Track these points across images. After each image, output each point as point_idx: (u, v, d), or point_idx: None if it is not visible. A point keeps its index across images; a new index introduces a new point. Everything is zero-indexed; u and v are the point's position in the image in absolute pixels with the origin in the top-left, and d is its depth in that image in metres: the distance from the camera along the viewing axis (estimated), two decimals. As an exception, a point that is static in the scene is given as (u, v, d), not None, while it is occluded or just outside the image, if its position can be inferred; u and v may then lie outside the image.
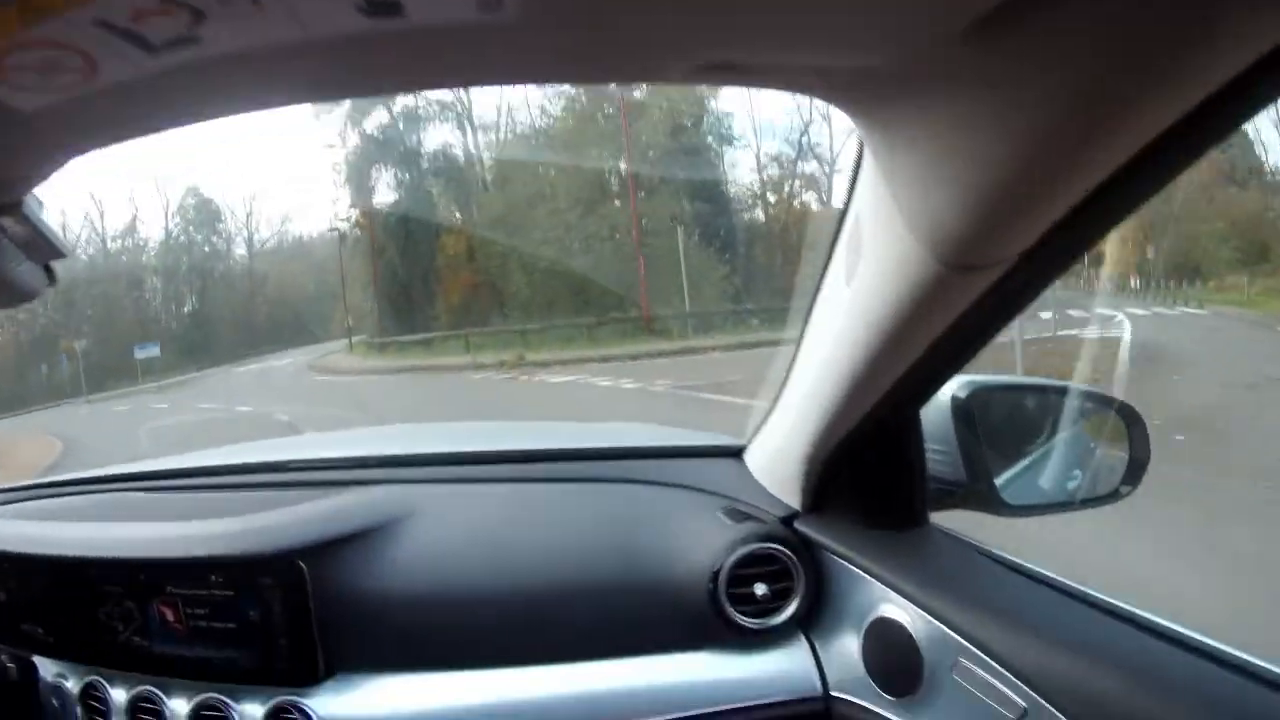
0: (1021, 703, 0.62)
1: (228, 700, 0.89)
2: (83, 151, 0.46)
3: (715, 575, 0.83)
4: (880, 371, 0.68)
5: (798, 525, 0.87)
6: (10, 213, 0.50)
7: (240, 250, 26.31)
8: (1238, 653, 0.58)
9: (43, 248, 0.55)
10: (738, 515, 0.88)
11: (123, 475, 1.22)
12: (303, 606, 0.86)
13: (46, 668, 1.04)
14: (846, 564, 0.82)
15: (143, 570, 0.94)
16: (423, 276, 21.33)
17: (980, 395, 0.86)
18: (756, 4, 0.37)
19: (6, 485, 1.29)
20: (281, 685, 0.88)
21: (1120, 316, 11.41)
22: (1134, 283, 17.01)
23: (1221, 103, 0.39)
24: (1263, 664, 0.57)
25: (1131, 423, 0.95)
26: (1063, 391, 0.97)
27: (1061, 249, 0.54)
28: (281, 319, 25.48)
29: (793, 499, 0.88)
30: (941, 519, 0.88)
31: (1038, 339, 8.29)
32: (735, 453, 0.98)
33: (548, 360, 14.31)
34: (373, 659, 0.87)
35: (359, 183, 22.21)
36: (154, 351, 21.08)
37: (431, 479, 1.01)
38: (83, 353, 20.52)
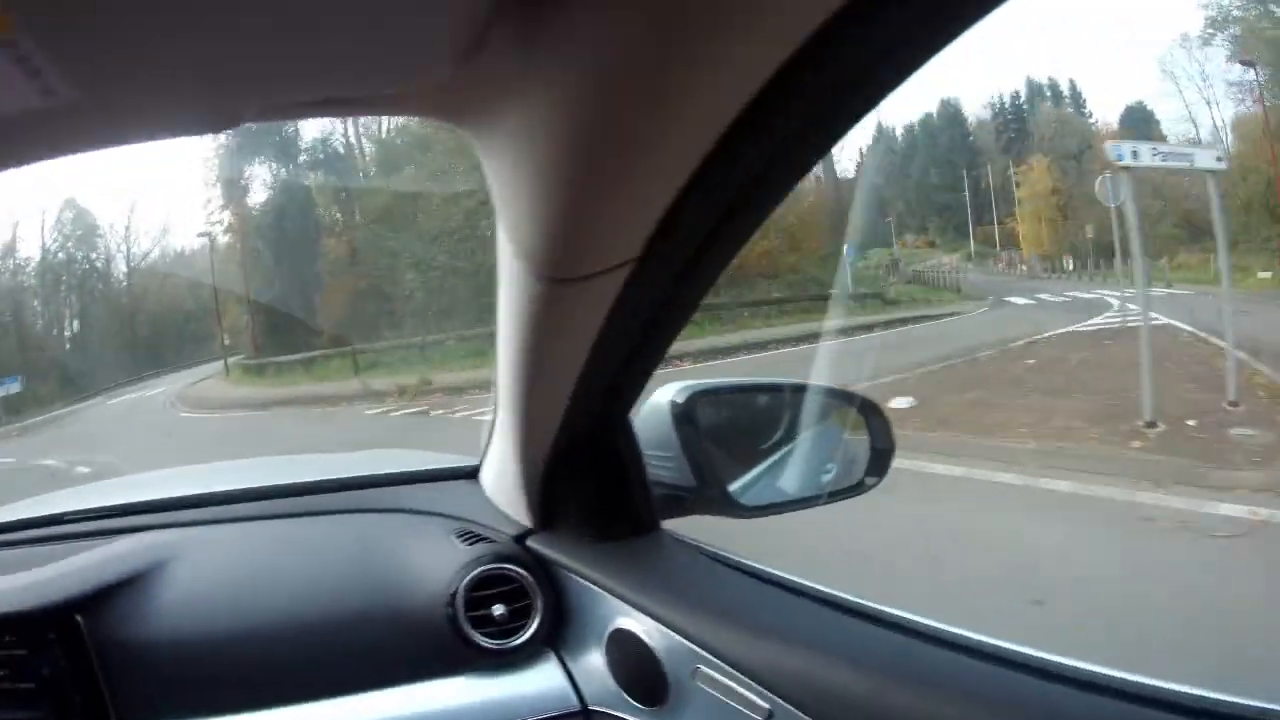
0: (765, 705, 0.63)
1: None
2: None
3: (452, 599, 0.83)
4: (555, 384, 0.67)
5: (530, 543, 0.88)
6: None
7: (120, 266, 22.80)
8: (975, 635, 0.60)
9: None
10: (470, 537, 0.89)
11: None
12: (85, 660, 0.82)
13: None
14: (579, 579, 0.84)
15: None
16: (301, 285, 18.22)
17: (700, 399, 0.87)
18: (279, 57, 0.40)
19: None
20: None
21: (1115, 301, 10.73)
22: (1069, 264, 17.05)
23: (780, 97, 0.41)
24: (1001, 644, 0.58)
25: (871, 415, 0.99)
26: (798, 390, 1.00)
27: (676, 254, 0.54)
28: (161, 341, 22.43)
29: (524, 517, 0.89)
30: (677, 525, 0.88)
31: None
32: (471, 473, 0.99)
33: (459, 384, 11.13)
34: (162, 708, 0.84)
35: (230, 179, 19.13)
36: (14, 387, 17.91)
37: (195, 521, 0.99)
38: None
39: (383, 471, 1.07)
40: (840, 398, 1.03)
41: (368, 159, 20.33)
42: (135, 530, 0.96)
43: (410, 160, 18.62)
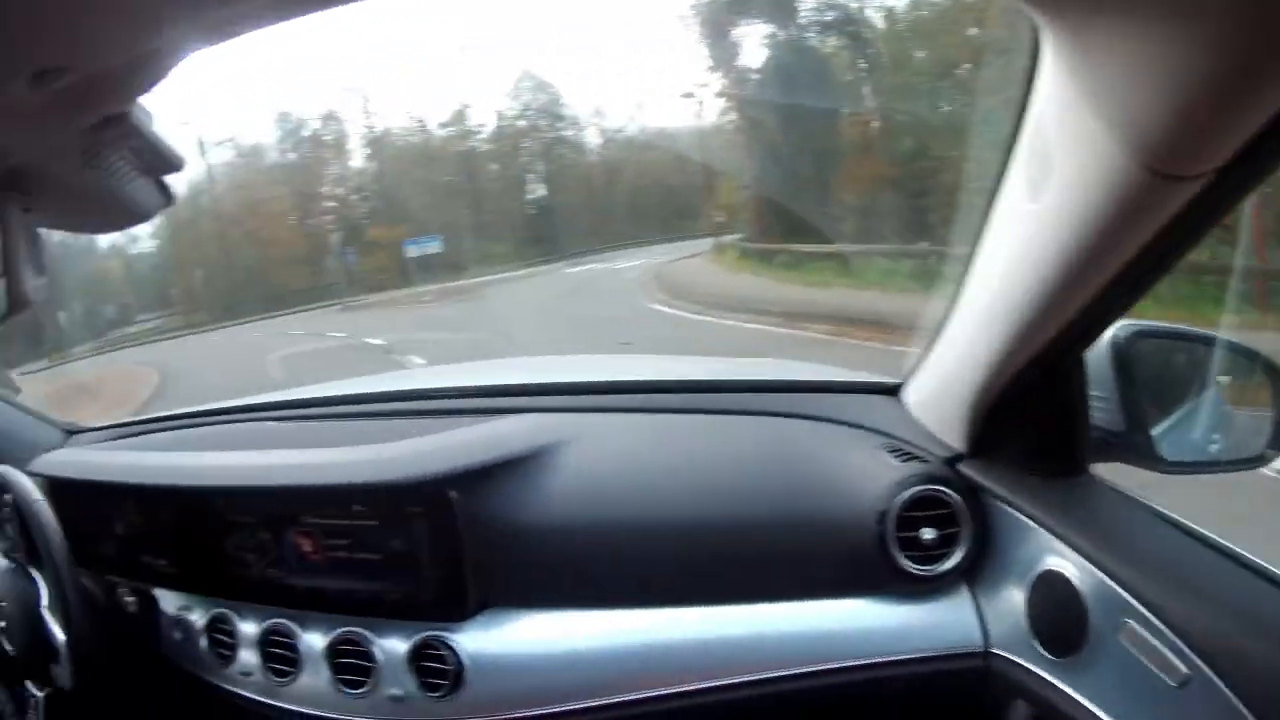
0: (1184, 669, 0.59)
1: (368, 634, 0.88)
2: (179, 51, 0.41)
3: (882, 517, 0.79)
4: (1063, 300, 0.65)
5: (962, 468, 0.83)
6: (116, 125, 0.46)
7: (587, 135, 21.18)
8: None
9: (155, 162, 0.52)
10: (902, 454, 0.84)
11: (256, 405, 1.21)
12: (452, 537, 0.84)
13: (169, 601, 1.04)
14: (1014, 511, 0.78)
15: (278, 500, 0.94)
16: (815, 164, 13.42)
17: (1140, 340, 0.82)
18: None
19: (130, 419, 1.31)
20: (426, 620, 0.87)
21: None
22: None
23: None
24: None
25: (1276, 381, 0.91)
26: (1213, 343, 0.92)
27: (1262, 162, 0.51)
28: (638, 213, 19.82)
29: (955, 440, 0.84)
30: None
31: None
32: (892, 390, 0.94)
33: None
34: (521, 594, 0.85)
35: (719, 41, 15.37)
36: (433, 247, 15.77)
37: (582, 407, 0.97)
38: (385, 243, 16.17)
39: (789, 378, 1.04)
40: (1248, 356, 0.94)
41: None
42: (517, 411, 0.96)
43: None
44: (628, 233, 18.14)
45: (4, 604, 0.94)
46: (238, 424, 1.16)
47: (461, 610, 0.85)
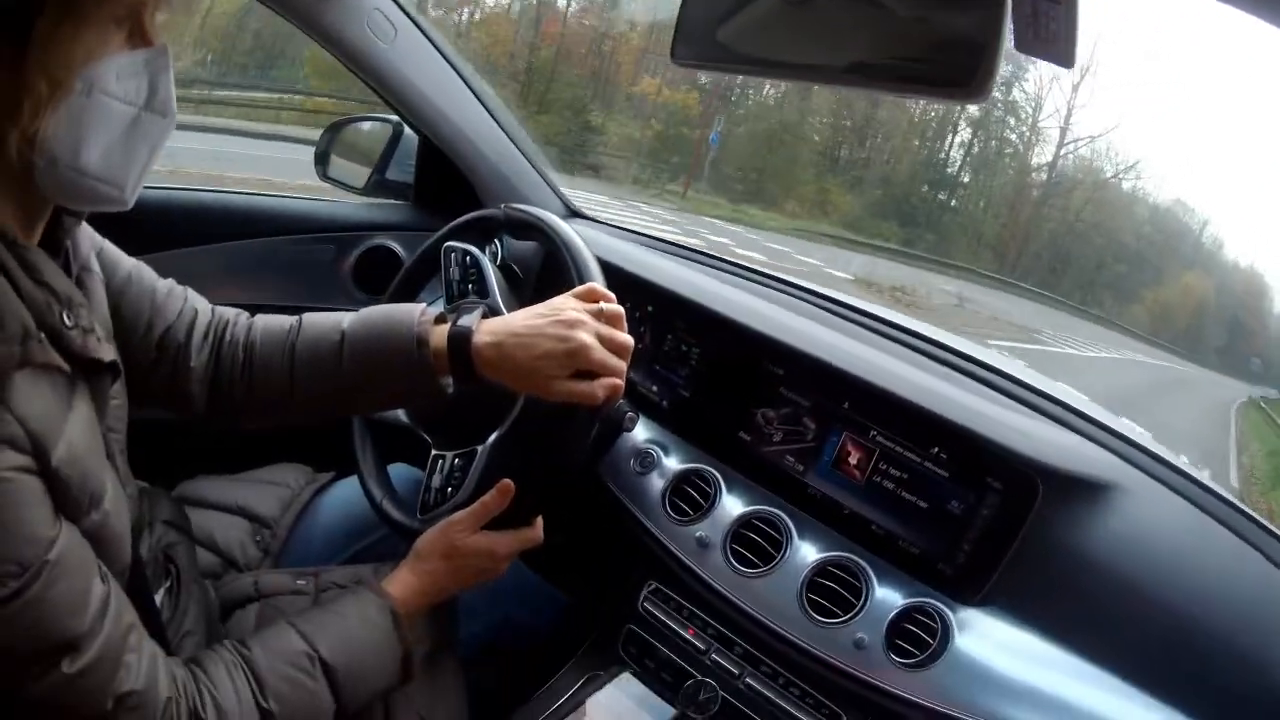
0: None
1: (869, 570, 0.85)
2: None
3: None
4: None
5: None
6: None
7: None
8: None
9: None
10: None
11: (779, 278, 1.21)
12: (1015, 524, 0.81)
13: (645, 433, 1.03)
14: None
15: (862, 396, 0.90)
16: None
17: None
18: None
19: (632, 228, 1.37)
20: (933, 585, 0.84)
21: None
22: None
23: None
24: None
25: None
26: None
27: None
28: None
29: None
30: None
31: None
32: None
33: None
34: (1034, 608, 0.81)
35: None
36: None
37: (1140, 466, 0.90)
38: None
39: None
40: None
41: None
42: (1081, 435, 0.92)
43: None
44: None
45: None
46: (772, 289, 1.16)
47: (976, 593, 0.82)
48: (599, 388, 0.75)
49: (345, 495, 1.05)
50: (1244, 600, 0.78)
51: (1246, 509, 0.85)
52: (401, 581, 0.78)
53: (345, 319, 0.80)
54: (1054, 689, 0.76)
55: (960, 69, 0.50)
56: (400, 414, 0.99)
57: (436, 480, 0.90)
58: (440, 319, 0.78)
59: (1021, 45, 0.57)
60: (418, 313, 0.77)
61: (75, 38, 0.53)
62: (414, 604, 0.78)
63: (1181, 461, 0.91)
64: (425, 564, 0.80)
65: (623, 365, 0.77)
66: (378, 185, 1.40)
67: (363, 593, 0.76)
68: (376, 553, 0.98)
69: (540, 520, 0.85)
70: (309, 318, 0.82)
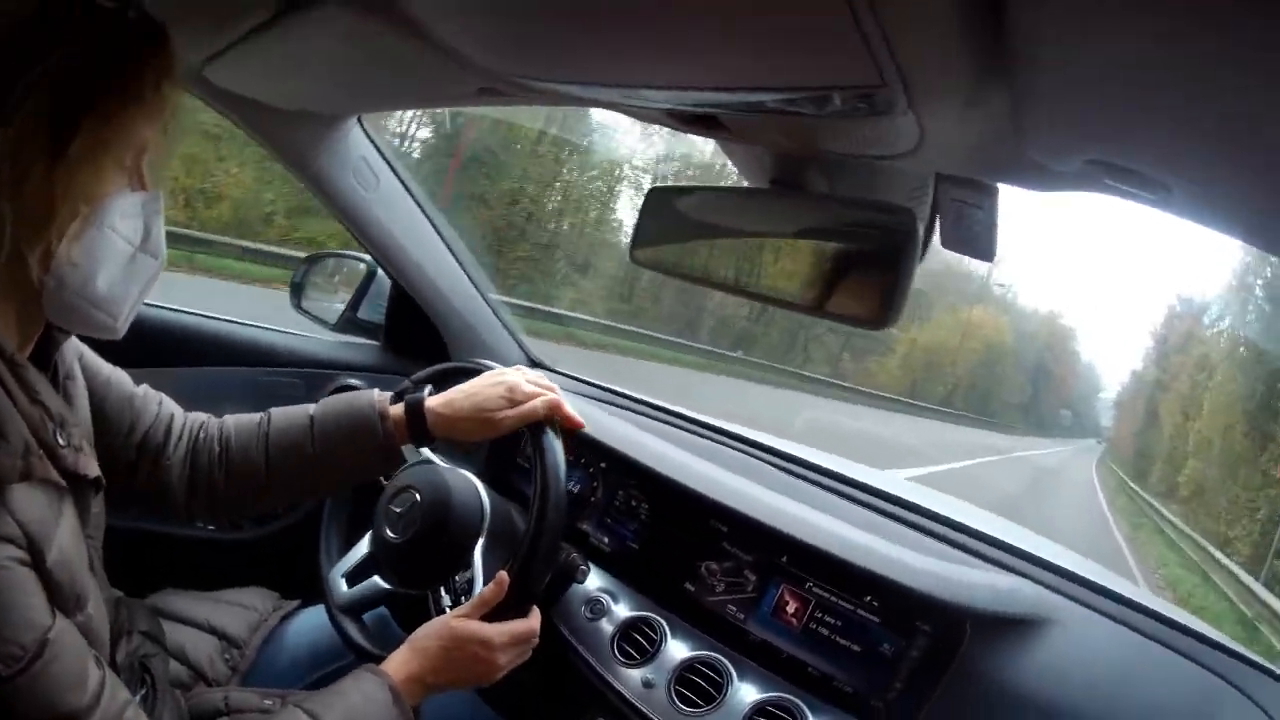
0: None
1: (805, 709, 0.89)
2: None
3: None
4: None
5: None
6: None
7: None
8: None
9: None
10: None
11: (718, 427, 1.28)
12: (944, 662, 0.86)
13: (597, 581, 1.09)
14: None
15: (798, 552, 0.97)
16: None
17: None
18: None
19: (590, 380, 1.43)
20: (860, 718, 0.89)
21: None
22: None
23: None
24: None
25: None
26: None
27: None
28: None
29: None
30: None
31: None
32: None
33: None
34: None
35: None
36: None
37: (1072, 596, 0.95)
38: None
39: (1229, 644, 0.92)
40: None
41: None
42: (1013, 573, 0.96)
43: None
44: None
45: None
46: (711, 442, 1.23)
47: None
48: (538, 403, 0.93)
49: (311, 623, 1.10)
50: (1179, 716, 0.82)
51: (1179, 619, 0.89)
52: (397, 661, 0.82)
53: (310, 407, 0.93)
54: None
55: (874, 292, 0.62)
56: (377, 579, 1.05)
57: (446, 601, 0.99)
58: (395, 399, 0.94)
59: (947, 243, 0.68)
60: (375, 395, 0.93)
61: (99, 169, 0.59)
62: (409, 687, 0.80)
63: (1104, 578, 0.96)
64: (421, 644, 0.83)
65: (554, 387, 0.96)
66: (349, 323, 1.48)
67: (360, 673, 0.79)
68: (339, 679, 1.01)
69: (536, 611, 0.91)
70: (276, 410, 0.94)
